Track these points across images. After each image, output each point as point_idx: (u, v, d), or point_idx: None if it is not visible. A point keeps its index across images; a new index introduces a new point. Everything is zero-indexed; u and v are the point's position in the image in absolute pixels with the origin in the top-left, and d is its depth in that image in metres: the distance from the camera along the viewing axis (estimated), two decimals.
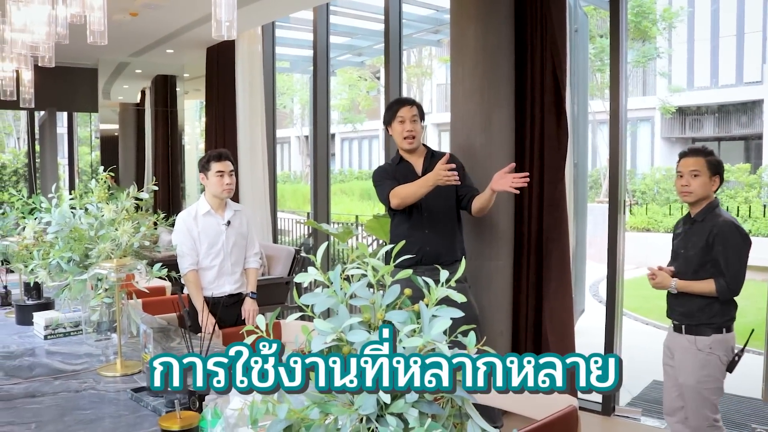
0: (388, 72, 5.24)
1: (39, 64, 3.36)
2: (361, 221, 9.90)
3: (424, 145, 3.59)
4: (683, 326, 2.86)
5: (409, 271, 1.31)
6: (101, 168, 2.95)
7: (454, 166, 3.11)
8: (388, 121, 3.54)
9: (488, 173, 3.79)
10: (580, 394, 4.20)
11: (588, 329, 5.85)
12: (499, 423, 3.47)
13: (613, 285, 4.05)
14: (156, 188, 2.96)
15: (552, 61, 3.90)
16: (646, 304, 8.60)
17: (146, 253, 2.80)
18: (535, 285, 4.04)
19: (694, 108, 18.38)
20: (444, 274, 1.27)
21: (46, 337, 2.93)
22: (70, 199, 2.73)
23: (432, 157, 3.51)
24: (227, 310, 3.54)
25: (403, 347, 1.16)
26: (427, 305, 1.24)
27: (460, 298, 1.28)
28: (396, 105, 3.51)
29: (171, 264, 3.03)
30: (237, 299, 3.63)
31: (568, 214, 4.03)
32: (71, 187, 12.54)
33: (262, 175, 6.73)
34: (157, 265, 2.68)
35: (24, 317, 3.20)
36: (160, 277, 2.84)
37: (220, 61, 7.08)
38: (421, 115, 3.52)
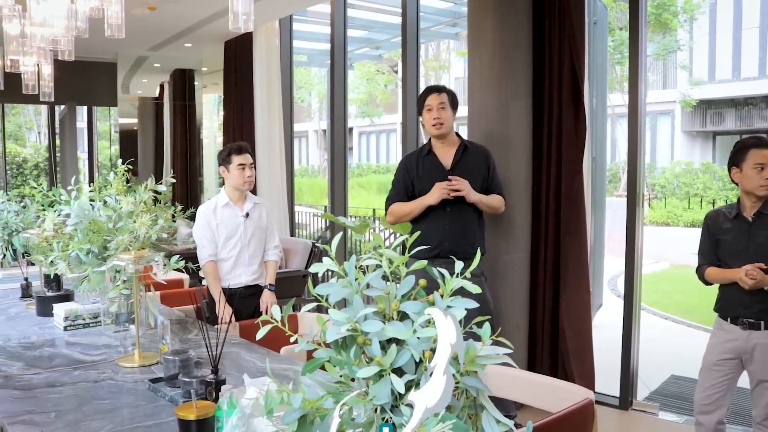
0: (405, 65, 5.22)
1: (59, 58, 3.38)
2: (378, 215, 9.91)
3: (458, 135, 3.56)
4: (762, 322, 2.77)
5: (424, 262, 1.30)
6: (119, 161, 2.98)
7: (457, 182, 3.33)
8: (419, 111, 3.55)
9: (505, 166, 3.78)
10: (597, 387, 4.19)
11: (606, 324, 5.82)
12: (513, 414, 3.46)
13: (631, 279, 4.01)
14: (174, 181, 2.98)
15: (570, 54, 3.87)
16: (665, 299, 8.54)
17: (164, 245, 2.82)
18: (552, 279, 4.03)
19: (715, 101, 18.15)
20: (459, 265, 1.27)
21: (65, 329, 2.97)
22: (90, 191, 2.76)
23: (465, 151, 3.49)
24: (244, 301, 3.56)
25: (417, 338, 1.16)
26: (441, 296, 1.24)
27: (475, 289, 1.27)
28: (424, 93, 3.51)
29: (189, 256, 3.05)
30: (254, 291, 3.64)
31: (586, 207, 4.00)
32: (91, 180, 12.69)
33: (279, 168, 6.75)
34: (175, 257, 2.69)
35: (44, 309, 3.24)
36: (178, 270, 2.87)
37: (238, 55, 7.11)
38: (453, 103, 3.49)
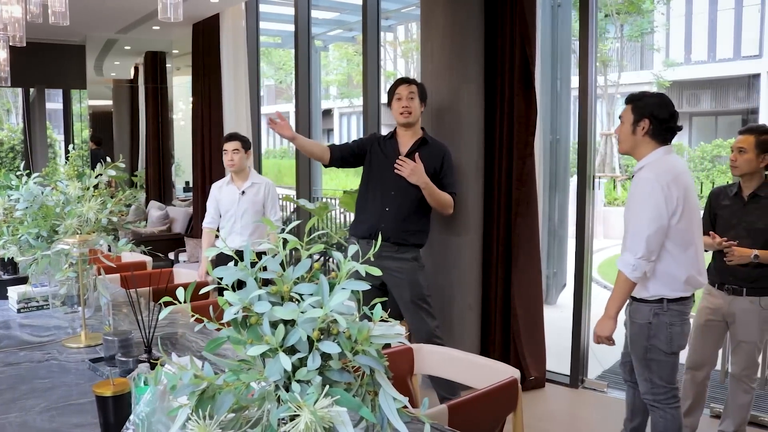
0: (366, 49, 5.27)
1: (11, 44, 3.40)
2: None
3: (423, 129, 3.63)
4: (744, 289, 3.10)
5: (320, 246, 1.38)
6: (71, 146, 3.02)
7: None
8: (388, 102, 3.63)
9: (457, 149, 3.86)
10: (552, 366, 4.31)
11: (569, 303, 5.94)
12: (458, 395, 3.57)
13: (582, 258, 4.12)
14: (123, 165, 3.02)
15: (521, 40, 3.94)
16: None
17: (123, 228, 2.88)
18: (503, 260, 4.12)
19: (691, 82, 18.29)
20: (353, 248, 1.34)
21: (19, 311, 3.03)
22: (37, 176, 2.81)
23: (424, 143, 3.56)
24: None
25: (306, 317, 1.23)
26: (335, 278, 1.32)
27: (375, 271, 1.36)
28: (395, 84, 3.60)
29: (160, 238, 3.13)
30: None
31: (537, 189, 4.09)
32: (67, 162, 12.59)
33: None
34: (123, 240, 2.76)
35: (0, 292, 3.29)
36: (143, 252, 2.96)
37: (206, 37, 7.11)
38: (422, 96, 3.58)
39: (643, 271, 2.64)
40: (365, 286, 1.29)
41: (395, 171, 3.42)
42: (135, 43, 8.65)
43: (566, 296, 6.01)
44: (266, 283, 1.31)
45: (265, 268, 1.32)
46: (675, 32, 18.62)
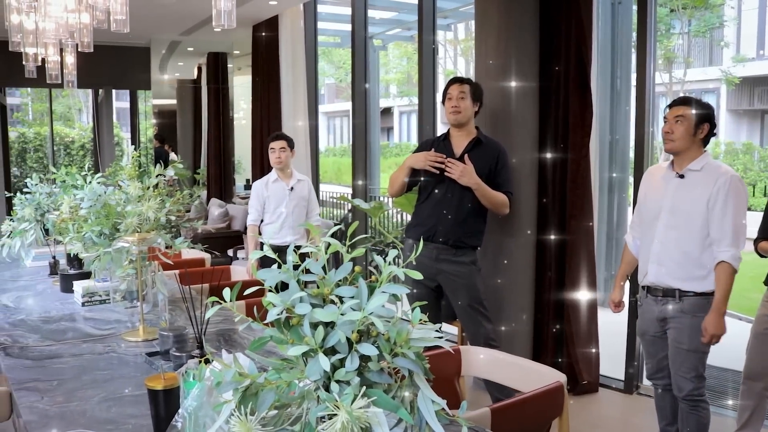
0: (421, 48, 5.28)
1: (79, 50, 3.56)
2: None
3: (478, 129, 3.60)
4: None
5: (362, 251, 1.41)
6: (132, 147, 3.14)
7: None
8: (442, 101, 3.63)
9: (510, 149, 3.83)
10: (604, 371, 4.24)
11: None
12: (512, 398, 3.54)
13: None
14: (181, 166, 3.13)
15: (577, 37, 3.88)
16: None
17: (182, 226, 2.99)
18: (557, 262, 4.07)
19: (763, 78, 17.55)
20: (393, 252, 1.37)
21: (83, 304, 3.17)
22: (100, 176, 2.94)
23: (478, 143, 3.52)
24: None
25: (345, 320, 1.26)
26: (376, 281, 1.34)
27: (416, 275, 1.38)
28: (447, 84, 3.59)
29: (219, 236, 3.23)
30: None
31: (593, 190, 4.02)
32: (129, 162, 13.02)
33: (304, 149, 6.88)
34: (180, 239, 2.86)
35: (66, 285, 3.45)
36: (205, 249, 3.10)
37: (265, 37, 7.25)
38: (475, 95, 3.53)
39: None
40: (405, 290, 1.30)
41: (446, 174, 3.40)
42: (197, 44, 8.89)
43: (624, 299, 5.88)
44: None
45: (308, 271, 1.35)
46: (746, 27, 17.90)
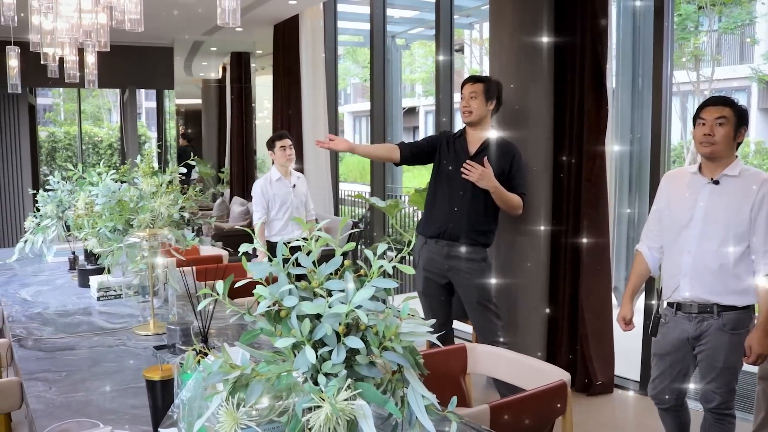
0: (438, 47, 5.27)
1: (97, 50, 3.62)
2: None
3: (493, 128, 3.59)
4: None
5: (352, 245, 1.43)
6: (146, 144, 3.20)
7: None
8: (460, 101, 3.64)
9: (524, 149, 3.81)
10: (619, 371, 4.20)
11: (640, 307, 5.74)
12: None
13: None
14: (194, 164, 3.18)
15: (592, 34, 3.85)
16: None
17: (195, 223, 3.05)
18: (571, 261, 4.04)
19: None
20: (382, 246, 1.38)
21: (98, 299, 3.23)
22: (114, 173, 3.00)
23: (491, 144, 3.51)
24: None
25: (331, 312, 1.28)
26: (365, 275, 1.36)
27: (408, 270, 1.39)
28: (462, 85, 3.59)
29: (239, 233, 3.26)
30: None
31: (608, 190, 3.99)
32: (159, 158, 13.22)
33: (324, 149, 6.91)
34: (191, 235, 2.91)
35: (83, 280, 3.52)
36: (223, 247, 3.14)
37: (286, 37, 7.30)
38: (488, 94, 3.50)
39: None
40: (394, 284, 1.32)
41: (463, 176, 3.38)
42: (220, 44, 8.99)
43: (640, 301, 5.80)
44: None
45: (298, 264, 1.37)
46: None
